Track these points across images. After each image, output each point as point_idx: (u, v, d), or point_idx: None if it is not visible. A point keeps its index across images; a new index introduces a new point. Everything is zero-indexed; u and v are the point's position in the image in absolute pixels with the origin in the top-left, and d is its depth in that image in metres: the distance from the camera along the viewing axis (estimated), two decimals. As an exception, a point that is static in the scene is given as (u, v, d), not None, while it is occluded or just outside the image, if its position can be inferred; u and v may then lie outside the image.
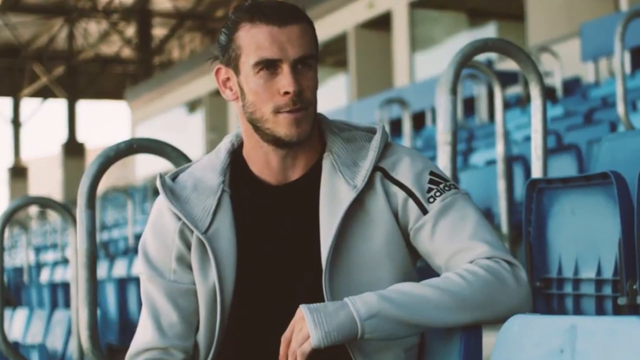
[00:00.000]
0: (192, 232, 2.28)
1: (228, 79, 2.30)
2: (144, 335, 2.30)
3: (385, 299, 2.08)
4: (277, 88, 2.21)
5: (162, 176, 2.36)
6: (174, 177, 2.38)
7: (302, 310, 2.08)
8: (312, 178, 2.30)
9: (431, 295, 2.10)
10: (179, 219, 2.29)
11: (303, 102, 2.22)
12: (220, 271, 2.25)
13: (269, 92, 2.21)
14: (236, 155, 2.38)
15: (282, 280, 2.27)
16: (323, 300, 2.18)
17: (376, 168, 2.28)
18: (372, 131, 2.36)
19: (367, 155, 2.29)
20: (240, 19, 2.24)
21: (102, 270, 8.38)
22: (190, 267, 2.30)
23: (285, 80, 2.20)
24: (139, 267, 2.36)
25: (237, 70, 2.26)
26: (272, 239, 2.29)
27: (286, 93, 2.20)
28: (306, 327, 2.06)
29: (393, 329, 2.08)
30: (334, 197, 2.25)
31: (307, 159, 2.32)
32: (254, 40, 2.21)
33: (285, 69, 2.20)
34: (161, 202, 2.34)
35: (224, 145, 2.40)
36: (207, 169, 2.36)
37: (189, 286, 2.30)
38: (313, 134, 2.31)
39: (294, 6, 2.26)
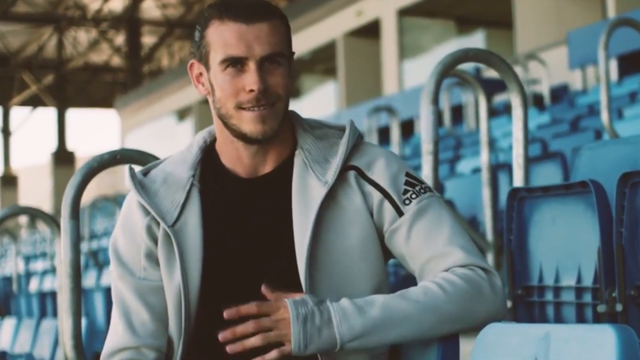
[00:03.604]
0: (159, 226, 2.28)
1: (200, 74, 2.31)
2: (116, 335, 2.29)
3: (369, 321, 2.09)
4: (243, 85, 2.21)
5: (132, 169, 2.36)
6: (146, 173, 2.37)
7: (290, 312, 2.08)
8: (283, 173, 2.30)
9: (413, 311, 2.11)
10: (147, 214, 2.30)
11: (269, 98, 2.21)
12: (185, 265, 2.24)
13: (234, 89, 2.21)
14: (208, 151, 2.38)
15: (250, 276, 2.25)
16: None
17: (350, 167, 2.28)
18: (343, 129, 2.37)
19: (337, 151, 2.30)
20: (210, 15, 2.26)
21: (90, 279, 8.36)
22: (159, 264, 2.29)
23: (250, 78, 2.20)
24: (110, 267, 2.34)
25: (207, 66, 2.27)
26: (241, 233, 2.28)
27: (251, 91, 2.20)
28: (289, 334, 2.07)
29: (371, 346, 2.11)
30: (306, 194, 2.25)
31: (279, 154, 2.32)
32: (222, 37, 2.22)
33: (252, 66, 2.20)
34: (131, 198, 2.35)
35: (197, 141, 2.40)
36: (178, 163, 2.37)
37: (159, 283, 2.28)
38: (285, 130, 2.31)
39: (265, 3, 2.26)
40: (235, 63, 2.21)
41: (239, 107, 2.22)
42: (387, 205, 2.25)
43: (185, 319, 2.25)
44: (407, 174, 2.28)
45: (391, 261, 2.35)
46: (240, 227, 2.28)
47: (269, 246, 2.26)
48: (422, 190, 2.27)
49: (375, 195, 2.26)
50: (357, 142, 2.34)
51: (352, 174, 2.28)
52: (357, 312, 2.10)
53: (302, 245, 2.21)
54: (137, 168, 2.40)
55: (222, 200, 2.31)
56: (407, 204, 2.24)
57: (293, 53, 2.31)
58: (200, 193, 2.31)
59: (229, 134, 2.28)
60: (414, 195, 2.25)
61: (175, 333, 2.28)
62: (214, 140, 2.38)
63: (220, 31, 2.22)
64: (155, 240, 2.29)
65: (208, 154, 2.37)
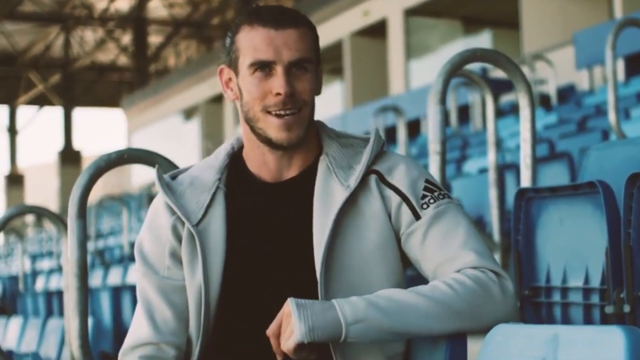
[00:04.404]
0: (184, 226, 2.32)
1: (230, 79, 2.37)
2: (138, 330, 2.33)
3: (372, 306, 2.10)
4: (270, 88, 2.26)
5: (159, 171, 2.42)
6: (173, 177, 2.43)
7: (290, 304, 2.10)
8: (307, 177, 2.34)
9: (418, 303, 2.12)
10: (173, 213, 2.34)
11: (295, 103, 2.27)
12: (207, 265, 2.29)
13: (261, 92, 2.27)
14: (235, 157, 2.43)
15: (271, 278, 2.29)
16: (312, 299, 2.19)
17: (372, 171, 2.32)
18: (368, 140, 2.40)
19: (361, 159, 2.33)
20: (241, 22, 2.32)
21: (96, 279, 8.37)
22: (183, 263, 2.33)
23: (278, 82, 2.25)
24: (135, 266, 2.38)
25: (236, 71, 2.33)
26: (264, 236, 2.32)
27: (278, 94, 2.25)
28: (292, 323, 2.08)
29: (377, 335, 2.11)
30: (328, 197, 2.28)
31: (304, 160, 2.36)
32: (251, 42, 2.27)
33: (279, 71, 2.25)
34: (158, 200, 2.40)
35: (224, 148, 2.46)
36: (205, 168, 2.42)
37: (182, 283, 2.33)
38: (310, 136, 2.36)
39: (294, 11, 2.32)
40: (263, 67, 2.26)
41: (266, 110, 2.27)
42: (404, 208, 2.28)
43: (205, 318, 2.29)
44: (427, 181, 2.32)
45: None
46: (263, 229, 2.32)
47: (290, 249, 2.29)
48: (441, 196, 2.30)
49: (394, 199, 2.29)
50: (381, 150, 2.37)
51: (373, 178, 2.31)
52: (360, 298, 2.13)
53: (319, 248, 2.24)
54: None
55: (246, 203, 2.35)
56: (425, 208, 2.27)
57: (320, 60, 2.35)
58: (225, 196, 2.36)
59: (256, 139, 2.33)
60: (432, 200, 2.28)
61: (194, 332, 2.32)
62: (241, 147, 2.43)
63: (250, 36, 2.28)
64: (179, 240, 2.33)
65: (235, 160, 2.42)
